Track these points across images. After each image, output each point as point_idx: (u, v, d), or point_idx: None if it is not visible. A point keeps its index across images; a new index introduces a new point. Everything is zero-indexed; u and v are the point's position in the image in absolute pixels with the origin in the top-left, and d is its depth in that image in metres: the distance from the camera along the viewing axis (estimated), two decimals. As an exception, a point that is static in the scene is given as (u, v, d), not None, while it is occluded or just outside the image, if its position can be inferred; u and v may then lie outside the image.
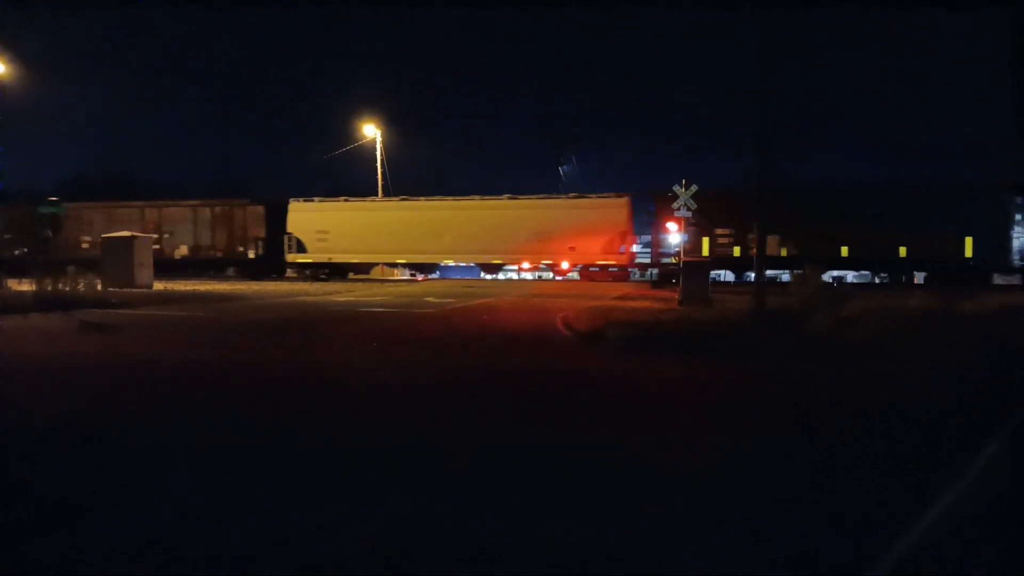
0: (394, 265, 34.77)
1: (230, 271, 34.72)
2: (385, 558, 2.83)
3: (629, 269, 31.44)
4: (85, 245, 35.04)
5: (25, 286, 16.14)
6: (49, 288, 15.27)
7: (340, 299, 19.01)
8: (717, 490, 3.63)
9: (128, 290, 19.05)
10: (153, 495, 3.55)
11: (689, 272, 16.52)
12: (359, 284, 27.55)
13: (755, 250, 13.35)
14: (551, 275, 32.94)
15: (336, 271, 33.20)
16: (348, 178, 47.31)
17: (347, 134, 40.83)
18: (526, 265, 32.87)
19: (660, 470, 3.99)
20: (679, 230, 22.43)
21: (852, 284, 27.80)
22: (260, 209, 34.42)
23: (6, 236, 35.56)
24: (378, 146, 39.51)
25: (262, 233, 34.46)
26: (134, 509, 3.35)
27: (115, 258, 21.50)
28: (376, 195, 38.61)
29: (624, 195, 31.10)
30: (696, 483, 3.75)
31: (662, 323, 11.24)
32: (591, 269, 30.73)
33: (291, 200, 34.04)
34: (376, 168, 39.48)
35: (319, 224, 33.42)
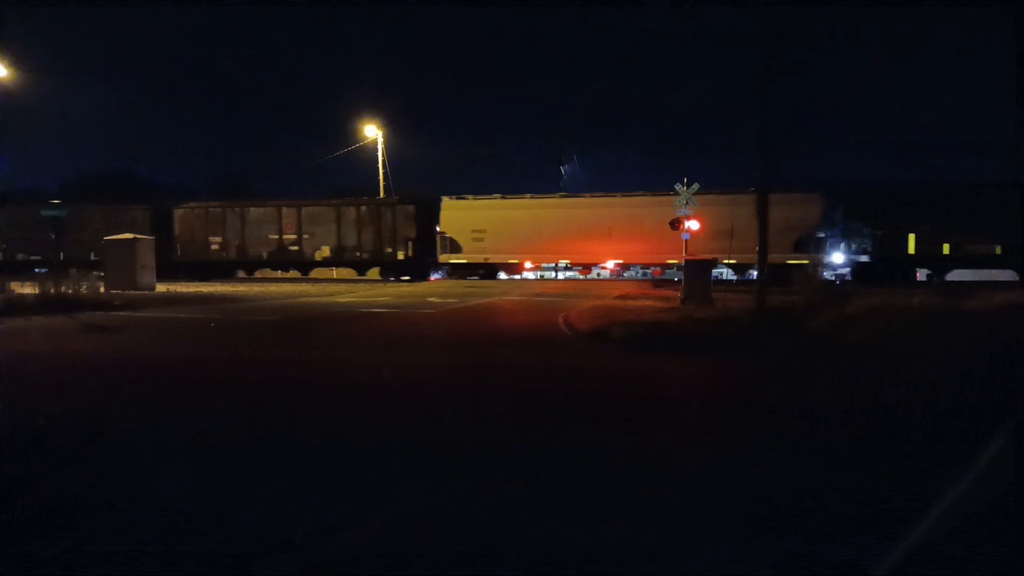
0: (554, 266, 32.58)
1: (373, 272, 33.22)
2: (386, 556, 2.84)
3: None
4: (215, 247, 33.96)
5: (27, 288, 16.17)
6: (51, 291, 15.31)
7: (342, 300, 19.02)
8: (718, 488, 3.63)
9: (130, 292, 19.07)
10: (156, 492, 3.56)
11: (691, 271, 16.51)
12: (361, 285, 27.57)
13: (757, 249, 13.33)
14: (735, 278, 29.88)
15: (490, 272, 31.87)
16: (349, 178, 47.39)
17: (348, 134, 40.84)
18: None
19: (661, 468, 3.99)
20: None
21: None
22: (411, 208, 32.59)
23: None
24: (379, 146, 39.54)
25: (412, 233, 32.61)
26: (137, 506, 3.37)
27: (117, 260, 21.54)
28: (379, 194, 38.54)
29: (815, 191, 28.47)
30: (698, 481, 3.75)
31: (663, 322, 11.23)
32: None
33: (443, 198, 32.55)
34: (377, 168, 39.49)
35: (475, 222, 31.79)
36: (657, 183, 37.37)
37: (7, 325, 11.88)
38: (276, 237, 33.77)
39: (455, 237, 32.14)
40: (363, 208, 33.46)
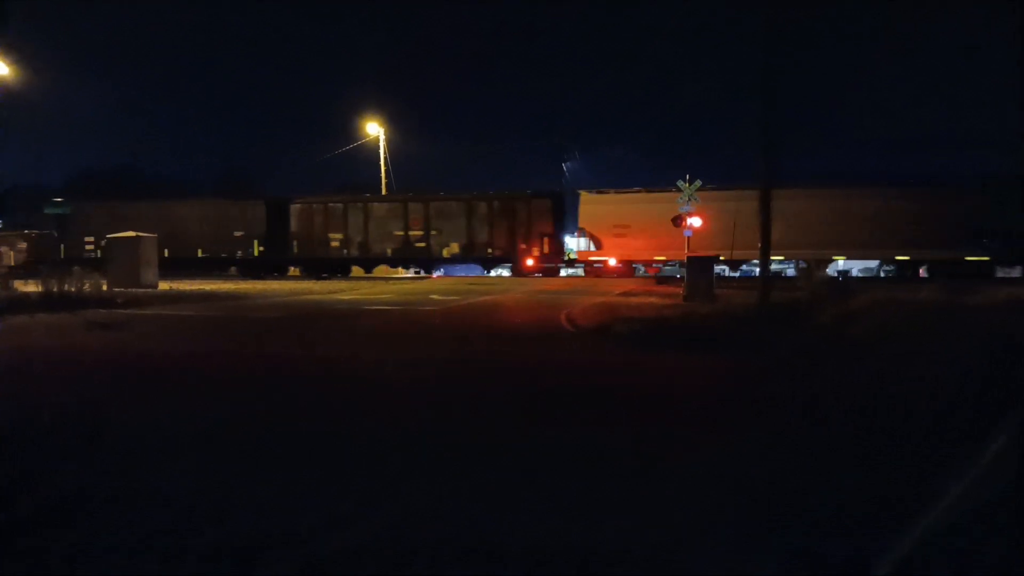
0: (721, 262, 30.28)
1: (501, 270, 31.87)
2: (386, 555, 2.84)
3: None
4: (335, 243, 32.75)
5: (30, 287, 16.21)
6: (55, 288, 15.35)
7: (345, 297, 19.04)
8: (719, 488, 3.63)
9: (133, 290, 19.11)
10: (158, 490, 3.58)
11: (694, 268, 16.51)
12: (363, 282, 27.59)
13: (760, 244, 13.31)
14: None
15: (630, 270, 29.96)
16: (351, 175, 47.29)
17: (350, 131, 40.81)
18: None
19: (661, 467, 3.99)
20: (682, 225, 22.32)
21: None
22: (547, 202, 31.07)
23: (237, 234, 33.37)
24: (381, 144, 39.56)
25: (549, 228, 31.06)
26: (139, 504, 3.38)
27: (120, 258, 21.58)
28: (381, 191, 38.40)
29: (980, 183, 26.82)
30: (698, 480, 3.74)
31: (666, 319, 11.22)
32: None
33: (583, 191, 30.84)
34: (379, 165, 39.47)
35: (618, 218, 29.72)
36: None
37: (11, 322, 11.92)
38: (401, 233, 32.11)
39: (596, 233, 30.09)
40: (495, 203, 31.54)
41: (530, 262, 31.16)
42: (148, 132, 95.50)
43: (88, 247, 34.20)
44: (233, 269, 32.82)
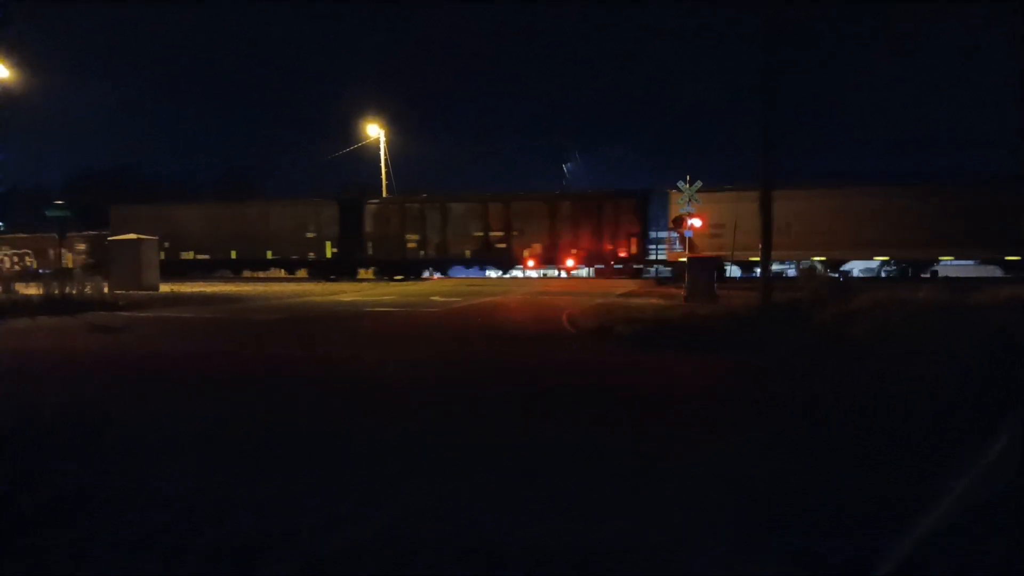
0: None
1: (588, 271, 30.32)
2: (386, 555, 2.84)
3: None
4: (412, 245, 31.80)
5: (32, 289, 16.24)
6: (56, 291, 15.38)
7: (346, 299, 19.05)
8: (719, 488, 3.62)
9: (134, 292, 19.13)
10: (158, 490, 3.58)
11: (695, 269, 16.51)
12: (366, 284, 27.59)
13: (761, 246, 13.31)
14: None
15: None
16: (352, 175, 47.31)
17: (350, 131, 40.79)
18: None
19: (661, 467, 3.99)
20: (683, 227, 22.33)
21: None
22: (632, 201, 29.62)
23: (308, 235, 32.50)
24: (382, 145, 39.57)
25: (636, 228, 29.74)
26: (140, 503, 3.39)
27: (121, 260, 21.61)
28: (382, 192, 38.29)
29: None
30: (699, 480, 3.74)
31: (667, 319, 11.22)
32: None
33: (672, 190, 27.20)
34: (379, 167, 39.50)
35: (714, 217, 27.32)
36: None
37: (13, 325, 11.94)
38: (481, 234, 30.88)
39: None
40: (579, 202, 30.40)
41: (616, 264, 30.16)
42: (148, 133, 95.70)
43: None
44: (302, 271, 32.33)
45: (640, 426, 5.05)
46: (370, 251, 32.32)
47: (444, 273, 32.33)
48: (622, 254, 29.85)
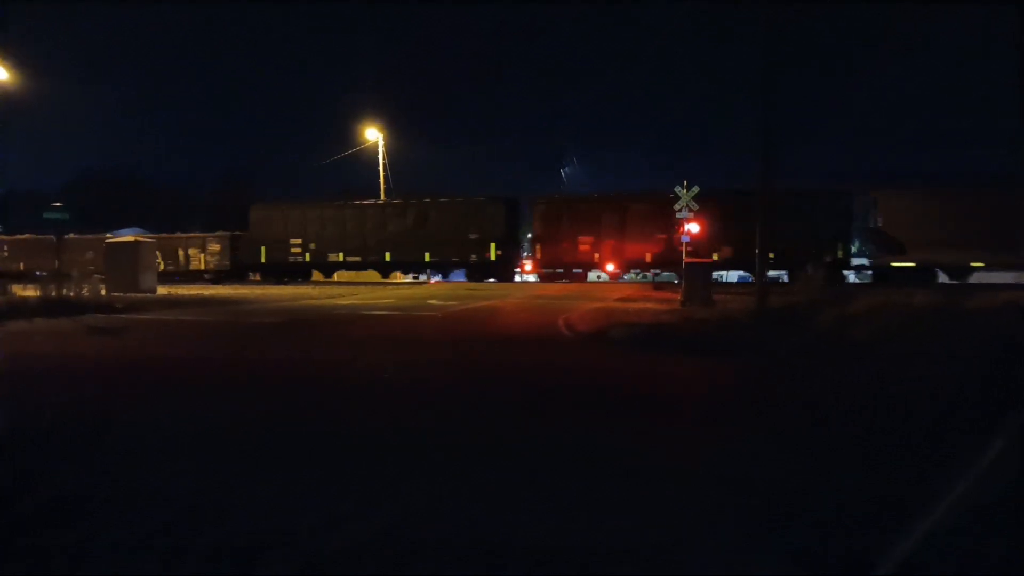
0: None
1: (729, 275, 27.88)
2: (386, 555, 2.84)
3: None
4: (585, 247, 29.83)
5: (29, 291, 16.21)
6: (53, 293, 15.35)
7: (344, 302, 19.03)
8: (719, 488, 3.63)
9: (132, 295, 19.10)
10: (158, 491, 3.58)
11: (691, 273, 16.54)
12: (362, 287, 27.57)
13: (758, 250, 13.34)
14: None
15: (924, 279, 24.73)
16: (351, 177, 47.29)
17: (350, 134, 40.68)
18: None
19: (661, 468, 3.99)
20: (680, 231, 22.31)
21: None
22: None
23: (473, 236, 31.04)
24: (380, 148, 39.55)
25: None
26: (139, 504, 3.38)
27: (118, 263, 21.58)
28: (379, 197, 38.28)
29: None
30: (698, 481, 3.75)
31: (664, 323, 11.23)
32: None
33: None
34: (378, 170, 39.48)
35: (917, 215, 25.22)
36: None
37: (9, 327, 11.91)
38: (664, 236, 27.88)
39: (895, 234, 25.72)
40: (789, 199, 26.46)
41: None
42: (147, 136, 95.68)
43: (295, 250, 32.59)
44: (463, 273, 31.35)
45: (640, 427, 5.05)
46: (539, 255, 30.43)
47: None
48: (827, 259, 26.87)
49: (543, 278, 30.43)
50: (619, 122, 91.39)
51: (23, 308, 14.02)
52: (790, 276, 26.19)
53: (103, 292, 17.59)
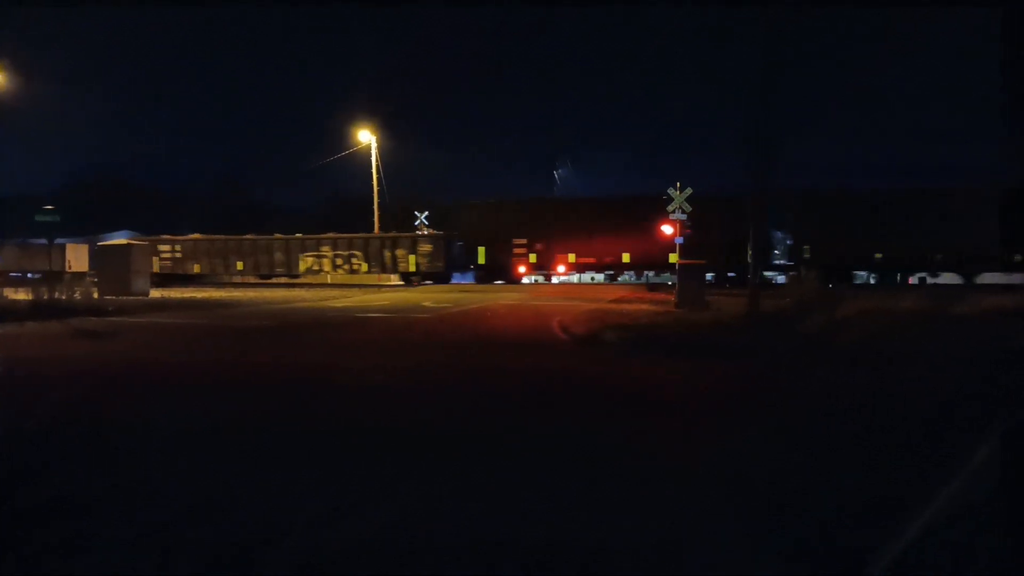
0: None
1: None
2: (386, 555, 2.84)
3: None
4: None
5: (21, 294, 16.09)
6: (44, 296, 15.24)
7: (336, 304, 18.98)
8: (717, 488, 3.64)
9: (124, 298, 19.00)
10: (155, 491, 3.58)
11: (685, 275, 16.57)
12: (355, 290, 27.51)
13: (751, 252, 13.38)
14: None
15: None
16: (349, 180, 47.14)
17: (343, 137, 40.52)
18: None
19: (660, 468, 4.00)
20: (675, 233, 22.31)
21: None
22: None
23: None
24: (373, 152, 39.47)
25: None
26: (136, 504, 3.38)
27: (111, 266, 21.44)
28: (374, 199, 38.38)
29: None
30: (697, 480, 3.76)
31: (658, 325, 11.26)
32: None
33: None
34: (371, 173, 39.40)
35: None
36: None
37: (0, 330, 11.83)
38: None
39: None
40: (953, 198, 25.73)
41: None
42: (140, 139, 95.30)
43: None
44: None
45: (639, 427, 5.06)
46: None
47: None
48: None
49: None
50: (618, 122, 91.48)
51: (13, 311, 13.92)
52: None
53: (95, 295, 17.48)
